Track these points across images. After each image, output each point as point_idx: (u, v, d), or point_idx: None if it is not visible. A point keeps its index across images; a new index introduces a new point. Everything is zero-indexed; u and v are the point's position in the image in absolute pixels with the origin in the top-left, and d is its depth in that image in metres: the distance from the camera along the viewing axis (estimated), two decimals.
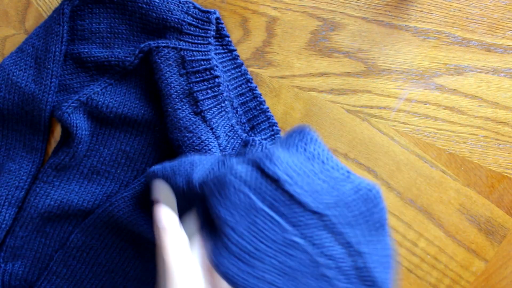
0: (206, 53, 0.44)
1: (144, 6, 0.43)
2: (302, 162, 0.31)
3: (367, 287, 0.30)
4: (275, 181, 0.30)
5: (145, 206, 0.43)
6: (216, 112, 0.44)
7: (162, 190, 0.36)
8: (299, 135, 0.33)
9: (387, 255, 0.32)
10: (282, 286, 0.29)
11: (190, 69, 0.44)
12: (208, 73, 0.44)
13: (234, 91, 0.46)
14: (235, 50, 0.46)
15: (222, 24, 0.45)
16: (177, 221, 0.34)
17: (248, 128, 0.46)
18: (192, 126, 0.43)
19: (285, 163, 0.30)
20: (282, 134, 0.46)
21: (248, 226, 0.29)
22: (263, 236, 0.29)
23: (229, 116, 0.45)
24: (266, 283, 0.29)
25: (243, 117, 0.46)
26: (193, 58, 0.44)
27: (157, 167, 0.38)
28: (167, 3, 0.43)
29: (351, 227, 0.30)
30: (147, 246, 0.45)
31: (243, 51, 0.47)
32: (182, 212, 0.36)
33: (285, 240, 0.29)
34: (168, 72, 0.43)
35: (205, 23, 0.44)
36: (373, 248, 0.31)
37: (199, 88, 0.43)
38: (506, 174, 0.47)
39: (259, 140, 0.44)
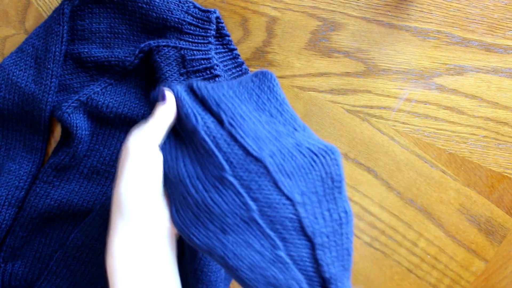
0: (207, 52, 0.44)
1: (144, 6, 0.43)
2: (250, 111, 0.33)
3: (302, 240, 0.30)
4: (220, 122, 0.32)
5: None
6: None
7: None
8: (259, 80, 0.35)
9: (338, 212, 0.31)
10: (207, 223, 0.30)
11: (191, 68, 0.44)
12: (208, 72, 0.44)
13: None
14: (235, 49, 0.46)
15: (222, 23, 0.45)
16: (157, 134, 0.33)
17: None
18: None
19: (232, 107, 0.32)
20: None
21: (190, 153, 0.32)
22: (201, 170, 0.31)
23: None
24: (192, 217, 0.30)
25: None
26: (193, 57, 0.44)
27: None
28: (167, 2, 0.43)
29: (288, 178, 0.31)
30: None
31: (243, 51, 0.47)
32: None
33: (221, 177, 0.30)
34: (169, 72, 0.43)
35: (205, 23, 0.44)
36: (317, 201, 0.31)
37: None
38: (506, 174, 0.47)
39: None
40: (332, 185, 0.32)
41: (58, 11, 0.44)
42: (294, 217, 0.30)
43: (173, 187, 0.32)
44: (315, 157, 0.32)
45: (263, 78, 0.35)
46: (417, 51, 0.46)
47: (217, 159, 0.31)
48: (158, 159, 0.32)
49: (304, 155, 0.32)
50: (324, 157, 0.32)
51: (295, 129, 0.33)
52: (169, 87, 0.34)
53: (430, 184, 0.47)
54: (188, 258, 0.42)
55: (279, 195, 0.30)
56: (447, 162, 0.47)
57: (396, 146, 0.47)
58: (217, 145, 0.31)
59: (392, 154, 0.47)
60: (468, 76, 0.46)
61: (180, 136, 0.34)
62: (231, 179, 0.30)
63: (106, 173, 0.46)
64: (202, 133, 0.31)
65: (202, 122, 0.32)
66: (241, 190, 0.30)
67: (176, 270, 0.33)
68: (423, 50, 0.46)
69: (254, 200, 0.30)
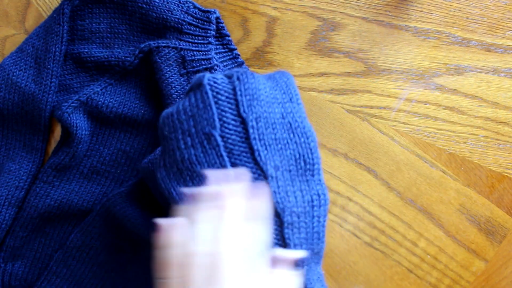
0: (207, 52, 0.44)
1: (144, 6, 0.43)
2: (260, 78, 0.33)
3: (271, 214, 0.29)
4: (228, 77, 0.32)
5: (141, 201, 0.43)
6: None
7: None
8: (274, 73, 0.36)
9: (311, 194, 0.31)
10: (187, 180, 0.30)
11: (191, 69, 0.44)
12: (208, 72, 0.44)
13: None
14: (235, 49, 0.46)
15: (222, 23, 0.45)
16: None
17: None
18: None
19: (243, 74, 0.33)
20: None
21: (190, 105, 0.32)
22: (193, 125, 0.31)
23: None
24: (176, 172, 0.31)
25: None
26: (193, 57, 0.44)
27: (149, 157, 0.39)
28: (167, 3, 0.43)
29: (266, 149, 0.31)
30: (145, 246, 0.45)
31: (243, 51, 0.47)
32: None
33: (209, 135, 0.30)
34: (169, 72, 0.43)
35: (205, 23, 0.44)
36: (290, 179, 0.31)
37: None
38: (506, 174, 0.47)
39: None
40: (304, 167, 0.31)
41: (58, 11, 0.44)
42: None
43: (165, 141, 0.32)
44: (291, 134, 0.32)
45: (278, 72, 0.36)
46: (417, 51, 0.46)
47: (212, 114, 0.31)
48: None
49: (284, 129, 0.31)
50: (299, 137, 0.32)
51: (290, 100, 0.33)
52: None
53: (430, 184, 0.47)
54: None
55: (255, 165, 0.30)
56: (447, 162, 0.47)
57: (396, 146, 0.47)
58: (216, 102, 0.31)
59: (392, 154, 0.47)
60: (468, 76, 0.46)
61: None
62: (218, 138, 0.30)
63: (106, 173, 0.46)
64: (207, 87, 0.31)
65: (210, 78, 0.32)
66: (224, 153, 0.30)
67: None
68: (423, 50, 0.46)
69: (233, 165, 0.30)
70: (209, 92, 0.31)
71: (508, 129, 0.47)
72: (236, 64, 0.46)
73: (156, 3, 0.43)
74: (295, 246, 0.30)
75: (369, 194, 0.47)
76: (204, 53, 0.44)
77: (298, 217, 0.30)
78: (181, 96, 0.43)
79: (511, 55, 0.46)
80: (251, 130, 0.30)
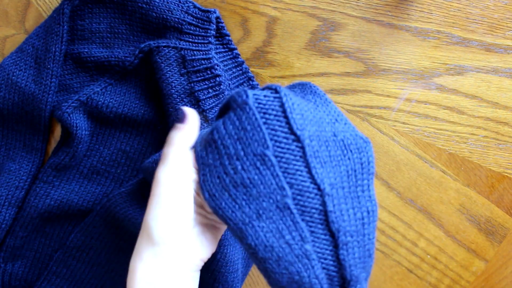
0: (207, 52, 0.44)
1: (144, 6, 0.43)
2: (300, 98, 0.32)
3: (326, 235, 0.29)
4: (275, 91, 0.31)
5: (142, 201, 0.43)
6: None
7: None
8: (300, 89, 0.35)
9: (361, 212, 0.31)
10: (243, 205, 0.30)
11: (191, 69, 0.44)
12: (209, 72, 0.44)
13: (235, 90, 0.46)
14: (235, 49, 0.46)
15: (222, 23, 0.45)
16: (188, 143, 0.32)
17: None
18: None
19: (285, 89, 0.32)
20: None
21: (235, 128, 0.31)
22: (241, 148, 0.30)
23: None
24: (229, 199, 0.30)
25: None
26: (193, 57, 0.44)
27: (153, 157, 0.39)
28: (167, 2, 0.43)
29: (322, 166, 0.30)
30: None
31: (243, 51, 0.47)
32: None
33: (263, 156, 0.30)
34: (169, 72, 0.43)
35: (205, 23, 0.44)
36: (344, 196, 0.30)
37: (200, 88, 0.43)
38: (506, 174, 0.47)
39: None
40: (355, 182, 0.31)
41: (58, 11, 0.44)
42: (322, 209, 0.29)
43: (208, 169, 0.31)
44: (345, 151, 0.31)
45: (303, 86, 0.35)
46: (417, 51, 0.46)
47: (262, 135, 0.30)
48: (189, 188, 0.31)
49: (337, 146, 0.31)
50: (352, 152, 0.31)
51: (337, 120, 0.33)
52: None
53: (430, 184, 0.47)
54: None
55: (312, 183, 0.29)
56: (447, 162, 0.47)
57: (396, 146, 0.47)
58: (265, 122, 0.30)
59: (392, 154, 0.47)
60: (468, 76, 0.46)
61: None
62: (272, 158, 0.29)
63: (106, 173, 0.46)
64: (253, 107, 0.30)
65: (253, 97, 0.31)
66: (279, 173, 0.29)
67: None
68: (423, 50, 0.46)
69: (290, 185, 0.29)
70: (256, 113, 0.30)
71: (508, 129, 0.47)
72: (236, 64, 0.46)
73: (156, 3, 0.43)
74: (350, 267, 0.29)
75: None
76: (204, 52, 0.44)
77: (352, 237, 0.29)
78: (182, 95, 0.43)
79: (511, 55, 0.46)
80: (307, 148, 0.30)
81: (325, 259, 0.29)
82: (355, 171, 0.31)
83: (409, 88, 0.46)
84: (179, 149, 0.32)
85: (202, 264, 0.33)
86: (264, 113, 0.30)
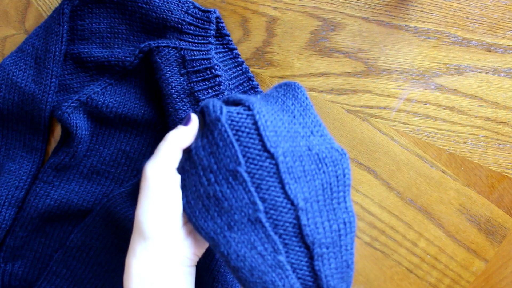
0: (207, 52, 0.44)
1: (144, 6, 0.43)
2: (275, 110, 0.33)
3: (301, 248, 0.30)
4: (248, 108, 0.31)
5: None
6: None
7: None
8: (284, 90, 0.36)
9: (338, 223, 0.31)
10: (215, 217, 0.30)
11: (191, 69, 0.44)
12: (208, 72, 0.44)
13: (235, 90, 0.46)
14: (235, 49, 0.46)
15: (222, 23, 0.45)
16: (178, 150, 0.33)
17: None
18: None
19: (259, 102, 0.32)
20: None
21: (206, 145, 0.31)
22: (215, 162, 0.31)
23: None
24: (202, 209, 0.31)
25: None
26: (193, 57, 0.44)
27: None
28: (167, 3, 0.43)
29: (296, 181, 0.30)
30: None
31: (243, 51, 0.47)
32: None
33: (235, 172, 0.30)
34: (169, 72, 0.43)
35: (205, 23, 0.44)
36: (319, 210, 0.31)
37: (200, 88, 0.43)
38: (506, 174, 0.47)
39: None
40: (331, 195, 0.31)
41: (58, 11, 0.44)
42: (296, 223, 0.30)
43: (186, 175, 0.32)
44: (320, 165, 0.32)
45: (288, 87, 0.36)
46: (417, 51, 0.46)
47: (235, 151, 0.30)
48: (176, 184, 0.32)
49: (311, 160, 0.31)
50: (327, 166, 0.32)
51: (312, 133, 0.33)
52: (205, 102, 0.34)
53: (430, 184, 0.47)
54: (204, 258, 0.42)
55: (285, 199, 0.30)
56: (447, 162, 0.47)
57: (396, 146, 0.47)
58: (237, 139, 0.31)
59: (392, 154, 0.47)
60: (468, 76, 0.46)
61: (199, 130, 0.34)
62: (244, 174, 0.30)
63: (106, 173, 0.46)
64: (226, 125, 0.31)
65: (227, 114, 0.31)
66: (252, 188, 0.30)
67: None
68: (423, 50, 0.46)
69: (262, 200, 0.30)
70: (229, 130, 0.31)
71: (508, 129, 0.47)
72: (236, 64, 0.46)
73: (156, 3, 0.43)
74: (326, 278, 0.30)
75: (369, 194, 0.47)
76: (204, 52, 0.44)
77: (327, 248, 0.30)
78: (182, 96, 0.43)
79: (511, 55, 0.46)
80: (281, 165, 0.30)
81: (301, 269, 0.30)
82: (330, 184, 0.32)
83: (409, 88, 0.46)
84: (171, 147, 0.32)
85: (196, 259, 0.34)
86: (237, 130, 0.31)
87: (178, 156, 0.33)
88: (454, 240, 0.47)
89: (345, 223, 0.31)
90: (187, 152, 0.33)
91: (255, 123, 0.31)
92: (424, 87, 0.46)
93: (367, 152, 0.47)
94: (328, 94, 0.47)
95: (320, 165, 0.32)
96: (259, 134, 0.31)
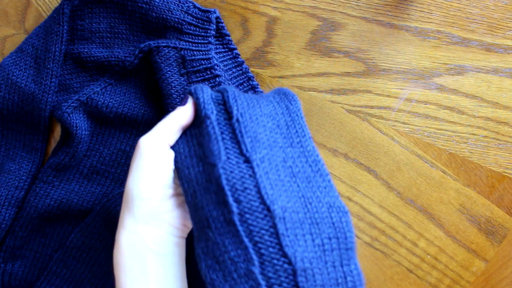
0: (207, 52, 0.44)
1: (144, 6, 0.43)
2: (261, 115, 0.34)
3: (280, 260, 0.28)
4: (229, 116, 0.32)
5: None
6: None
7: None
8: (281, 97, 0.36)
9: (321, 238, 0.29)
10: (193, 215, 0.30)
11: (191, 69, 0.44)
12: (208, 72, 0.44)
13: None
14: (235, 49, 0.46)
15: (222, 23, 0.45)
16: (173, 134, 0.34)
17: None
18: None
19: (245, 107, 0.33)
20: None
21: (196, 134, 0.33)
22: (198, 160, 0.32)
23: None
24: (190, 191, 0.31)
25: None
26: (193, 57, 0.44)
27: None
28: (167, 2, 0.43)
29: (273, 188, 0.30)
30: None
31: (243, 51, 0.47)
32: None
33: (212, 167, 0.30)
34: (169, 72, 0.43)
35: (205, 23, 0.44)
36: (299, 221, 0.29)
37: None
38: (506, 174, 0.47)
39: None
40: (312, 210, 0.30)
41: (58, 11, 0.44)
42: (273, 231, 0.28)
43: (179, 158, 0.33)
44: (294, 179, 0.31)
45: (284, 97, 0.36)
46: (417, 51, 0.46)
47: (217, 149, 0.30)
48: (168, 158, 0.33)
49: (286, 173, 0.31)
50: (301, 182, 0.31)
51: (291, 145, 0.33)
52: (196, 88, 0.35)
53: (430, 184, 0.47)
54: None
55: (261, 204, 0.28)
56: (447, 162, 0.47)
57: (396, 146, 0.47)
58: (223, 139, 0.31)
59: (392, 154, 0.47)
60: (468, 76, 0.46)
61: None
62: (221, 171, 0.29)
63: (106, 173, 0.46)
64: (214, 123, 0.32)
65: (215, 114, 0.32)
66: (226, 187, 0.29)
67: (183, 270, 0.33)
68: (423, 50, 0.46)
69: (237, 201, 0.29)
70: (216, 128, 0.31)
71: (508, 129, 0.47)
72: (236, 64, 0.46)
73: (156, 3, 0.43)
74: None
75: (369, 194, 0.47)
76: (204, 53, 0.44)
77: (311, 263, 0.28)
78: (182, 96, 0.43)
79: (511, 55, 0.46)
80: (256, 168, 0.30)
81: (280, 285, 0.27)
82: (309, 199, 0.30)
83: (409, 88, 0.46)
84: (167, 123, 0.33)
85: (186, 230, 0.34)
86: (221, 131, 0.31)
87: (174, 134, 0.33)
88: (454, 240, 0.47)
89: (330, 238, 0.29)
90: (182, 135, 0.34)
91: (233, 130, 0.31)
92: (424, 87, 0.46)
93: (367, 152, 0.47)
94: (328, 94, 0.47)
95: (294, 179, 0.31)
96: (237, 139, 0.31)
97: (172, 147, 0.34)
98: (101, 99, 0.45)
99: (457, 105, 0.46)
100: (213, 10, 0.44)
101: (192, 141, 0.33)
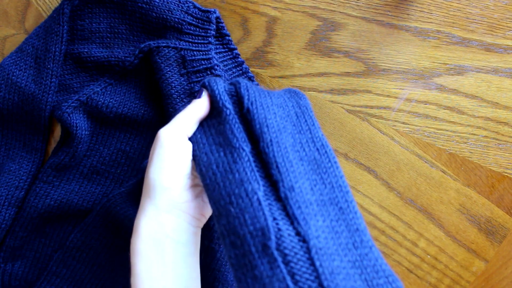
0: (207, 52, 0.44)
1: (144, 6, 0.43)
2: (274, 105, 0.35)
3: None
4: (241, 103, 0.34)
5: None
6: None
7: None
8: (292, 94, 0.38)
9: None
10: (219, 184, 0.31)
11: (191, 69, 0.44)
12: (209, 72, 0.44)
13: None
14: (235, 49, 0.46)
15: (222, 23, 0.45)
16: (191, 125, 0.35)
17: None
18: None
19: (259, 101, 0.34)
20: None
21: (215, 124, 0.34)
22: (219, 147, 0.33)
23: None
24: (209, 174, 0.32)
25: None
26: (193, 57, 0.44)
27: None
28: (167, 2, 0.43)
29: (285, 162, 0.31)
30: None
31: (243, 51, 0.47)
32: None
33: (234, 153, 0.31)
34: (169, 72, 0.43)
35: (205, 23, 0.44)
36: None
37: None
38: (506, 174, 0.47)
39: None
40: (317, 191, 0.32)
41: (58, 11, 0.44)
42: (285, 209, 0.30)
43: (197, 147, 0.34)
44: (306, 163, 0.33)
45: (294, 94, 0.38)
46: (417, 51, 0.46)
47: (238, 133, 0.32)
48: (187, 148, 0.33)
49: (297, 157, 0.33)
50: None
51: (300, 132, 0.35)
52: (210, 81, 0.36)
53: (430, 184, 0.47)
54: (205, 257, 0.42)
55: (279, 182, 0.30)
56: (447, 162, 0.47)
57: (396, 146, 0.47)
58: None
59: (392, 154, 0.47)
60: (468, 76, 0.46)
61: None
62: (249, 155, 0.31)
63: (106, 173, 0.46)
64: (231, 110, 0.33)
65: (231, 103, 0.34)
66: (254, 167, 0.31)
67: (197, 260, 0.34)
68: (423, 50, 0.46)
69: (262, 179, 0.31)
70: (234, 128, 0.33)
71: (508, 129, 0.47)
72: (236, 64, 0.46)
73: (156, 3, 0.43)
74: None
75: (369, 194, 0.47)
76: (204, 53, 0.44)
77: (326, 243, 0.29)
78: (182, 96, 0.43)
79: (511, 55, 0.46)
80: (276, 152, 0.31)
81: (295, 259, 0.28)
82: (313, 180, 0.32)
83: (409, 88, 0.46)
84: (185, 116, 0.34)
85: (204, 220, 0.35)
86: (236, 121, 0.33)
87: (192, 125, 0.34)
88: (454, 240, 0.47)
89: (337, 220, 0.31)
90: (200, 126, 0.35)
91: (252, 119, 0.33)
92: (424, 87, 0.46)
93: (367, 152, 0.47)
94: (328, 94, 0.47)
95: (301, 162, 0.32)
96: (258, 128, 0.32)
97: (190, 138, 0.35)
98: (101, 99, 0.45)
99: (457, 105, 0.46)
100: (213, 10, 0.44)
101: (210, 130, 0.34)
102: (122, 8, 0.44)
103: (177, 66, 0.43)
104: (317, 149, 0.34)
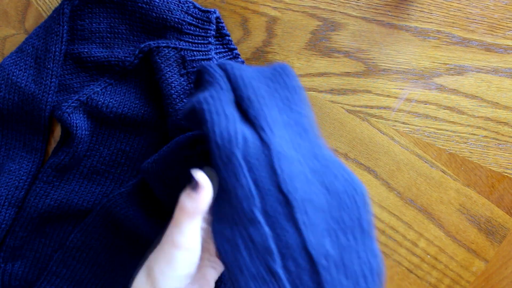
0: (207, 52, 0.44)
1: (144, 6, 0.43)
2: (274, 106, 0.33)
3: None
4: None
5: (142, 201, 0.43)
6: None
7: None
8: (277, 75, 0.35)
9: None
10: (229, 261, 0.29)
11: (191, 69, 0.44)
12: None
13: None
14: (235, 49, 0.46)
15: (222, 23, 0.45)
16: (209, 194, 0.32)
17: None
18: None
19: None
20: None
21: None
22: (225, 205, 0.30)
23: None
24: (226, 243, 0.29)
25: None
26: (193, 58, 0.44)
27: (153, 158, 0.40)
28: (167, 2, 0.43)
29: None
30: (146, 245, 0.45)
31: (243, 51, 0.47)
32: None
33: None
34: (169, 72, 0.43)
35: (205, 23, 0.44)
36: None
37: None
38: (506, 174, 0.47)
39: None
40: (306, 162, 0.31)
41: (58, 11, 0.44)
42: (273, 173, 0.28)
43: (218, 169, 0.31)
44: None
45: (277, 76, 0.34)
46: (417, 51, 0.46)
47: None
48: (198, 250, 0.32)
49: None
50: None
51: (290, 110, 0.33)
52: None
53: (430, 184, 0.47)
54: None
55: (280, 194, 0.28)
56: (447, 162, 0.47)
57: (396, 146, 0.47)
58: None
59: (392, 154, 0.47)
60: (468, 76, 0.46)
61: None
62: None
63: (106, 173, 0.46)
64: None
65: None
66: (250, 183, 0.28)
67: None
68: (423, 50, 0.46)
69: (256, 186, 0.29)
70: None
71: (508, 129, 0.47)
72: None
73: (156, 3, 0.43)
74: None
75: (369, 194, 0.47)
76: (204, 53, 0.44)
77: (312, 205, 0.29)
78: (182, 96, 0.43)
79: (511, 55, 0.46)
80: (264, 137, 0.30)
81: (276, 213, 0.28)
82: (300, 146, 0.32)
83: (409, 88, 0.46)
84: (192, 218, 0.31)
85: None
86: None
87: (198, 222, 0.32)
88: (454, 240, 0.47)
89: (326, 188, 0.30)
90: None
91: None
92: (424, 87, 0.46)
93: (367, 152, 0.47)
94: (328, 94, 0.47)
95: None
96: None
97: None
98: (101, 99, 0.45)
99: (457, 105, 0.46)
100: (213, 10, 0.44)
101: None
102: (122, 8, 0.44)
103: (177, 66, 0.43)
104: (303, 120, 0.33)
